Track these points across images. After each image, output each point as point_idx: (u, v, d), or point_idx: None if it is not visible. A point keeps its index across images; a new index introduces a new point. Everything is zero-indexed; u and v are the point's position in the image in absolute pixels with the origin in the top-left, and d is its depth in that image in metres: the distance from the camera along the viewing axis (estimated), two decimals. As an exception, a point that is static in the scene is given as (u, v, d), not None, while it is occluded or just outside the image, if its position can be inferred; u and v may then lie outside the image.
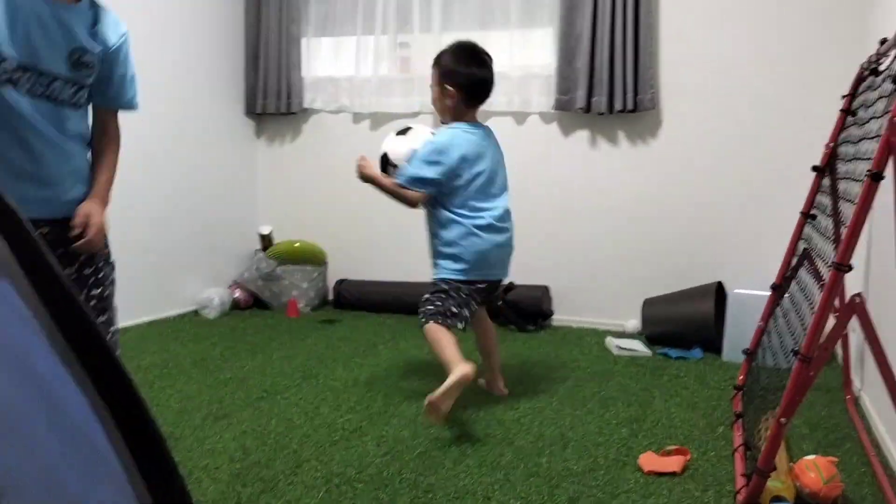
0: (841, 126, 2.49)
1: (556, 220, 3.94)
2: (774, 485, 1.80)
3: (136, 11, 3.64)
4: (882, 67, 2.12)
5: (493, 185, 2.78)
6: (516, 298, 3.79)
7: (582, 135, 3.86)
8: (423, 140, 2.71)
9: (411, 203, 2.66)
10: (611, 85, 3.62)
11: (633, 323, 3.73)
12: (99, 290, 1.90)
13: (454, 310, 2.57)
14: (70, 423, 0.50)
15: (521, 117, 3.96)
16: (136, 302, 3.71)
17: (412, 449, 2.19)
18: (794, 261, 2.56)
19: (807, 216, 2.55)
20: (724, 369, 3.09)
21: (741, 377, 2.70)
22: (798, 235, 2.60)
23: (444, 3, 4.04)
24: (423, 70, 4.06)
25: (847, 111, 2.48)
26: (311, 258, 4.21)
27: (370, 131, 4.26)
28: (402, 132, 2.79)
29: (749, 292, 3.13)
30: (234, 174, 4.39)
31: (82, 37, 1.73)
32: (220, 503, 1.82)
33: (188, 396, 2.64)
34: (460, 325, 2.58)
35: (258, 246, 4.40)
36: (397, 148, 2.73)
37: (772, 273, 2.73)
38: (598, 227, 3.86)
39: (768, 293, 2.69)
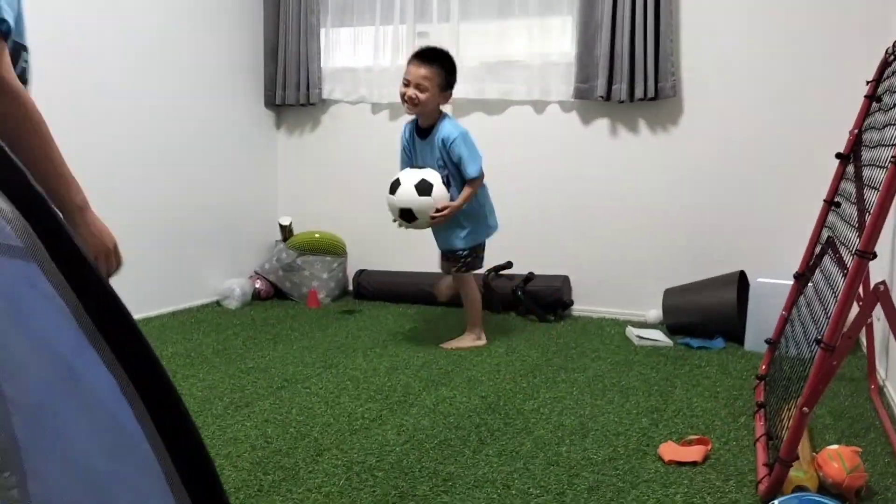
0: (865, 112, 2.45)
1: (575, 209, 3.92)
2: (797, 475, 1.79)
3: (157, 4, 3.67)
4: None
5: None
6: (536, 288, 3.79)
7: (602, 123, 3.84)
8: (435, 180, 3.03)
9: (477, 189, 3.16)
10: (631, 73, 3.59)
11: (654, 313, 3.71)
12: None
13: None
14: (97, 403, 0.51)
15: (540, 106, 3.94)
16: (159, 293, 3.76)
17: (432, 438, 2.20)
18: (818, 249, 2.53)
19: (830, 204, 2.52)
20: (746, 359, 3.07)
21: (763, 367, 2.68)
22: (822, 223, 2.56)
23: (462, -8, 4.03)
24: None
25: (872, 97, 2.44)
26: (331, 249, 4.23)
27: (389, 121, 4.27)
28: (424, 190, 3.03)
29: (772, 281, 3.09)
30: (255, 166, 4.42)
31: None
32: (243, 490, 1.84)
33: (210, 385, 2.67)
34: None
35: (279, 237, 4.42)
36: (419, 199, 3.01)
37: (795, 262, 2.71)
38: (619, 217, 3.84)
39: (791, 282, 2.66)
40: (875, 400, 2.53)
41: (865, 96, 2.48)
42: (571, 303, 3.89)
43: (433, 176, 3.05)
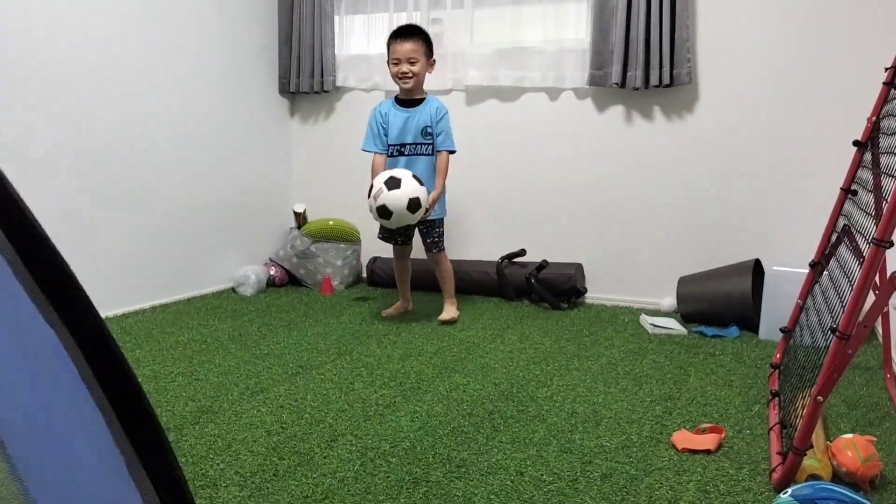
0: (884, 99, 2.42)
1: (589, 197, 3.91)
2: (811, 463, 1.79)
3: (172, -9, 3.68)
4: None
5: None
6: (549, 276, 3.79)
7: (617, 111, 3.81)
8: (413, 184, 3.14)
9: None
10: (647, 59, 3.56)
11: (669, 301, 3.70)
12: None
13: None
14: (49, 368, 0.52)
15: (554, 93, 3.92)
16: (175, 279, 3.79)
17: (445, 424, 2.21)
18: (834, 237, 2.51)
19: (847, 192, 2.50)
20: (760, 347, 3.06)
21: (778, 355, 2.67)
22: (838, 211, 2.54)
23: (476, -21, 4.01)
24: (456, 46, 4.05)
25: (890, 84, 2.41)
26: (345, 236, 4.24)
27: (403, 109, 4.26)
28: (394, 184, 3.14)
29: (787, 269, 3.08)
30: (269, 153, 4.43)
31: None
32: (258, 475, 1.86)
33: (226, 371, 2.69)
34: None
35: (293, 224, 4.44)
36: (399, 200, 3.12)
37: (810, 250, 2.69)
38: (633, 204, 3.83)
39: (807, 270, 2.65)
40: (890, 389, 2.51)
41: (884, 83, 2.45)
42: (585, 291, 3.89)
43: (404, 176, 3.18)
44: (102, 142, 3.37)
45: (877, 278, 2.14)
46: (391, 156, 3.41)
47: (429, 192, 3.25)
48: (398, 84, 3.38)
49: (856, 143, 2.48)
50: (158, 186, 3.66)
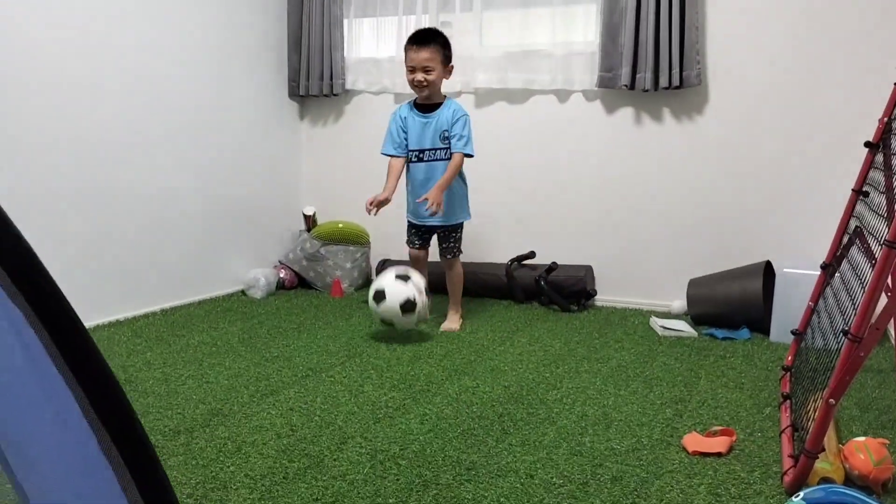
0: (895, 100, 2.41)
1: (599, 199, 3.90)
2: (823, 466, 1.78)
3: (182, -4, 3.70)
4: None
5: None
6: (559, 278, 3.78)
7: (626, 112, 3.81)
8: (396, 287, 3.09)
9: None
10: (656, 61, 3.55)
11: (679, 303, 3.68)
12: None
13: None
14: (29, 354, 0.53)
15: (563, 95, 3.92)
16: (185, 282, 3.81)
17: (455, 427, 2.21)
18: (845, 239, 2.50)
19: (859, 193, 2.48)
20: (771, 350, 3.04)
21: (789, 358, 2.65)
22: (850, 213, 2.53)
23: (485, -19, 4.01)
24: (465, 49, 4.05)
25: (903, 84, 2.39)
26: (355, 238, 4.25)
27: (412, 112, 4.27)
28: (380, 297, 3.10)
29: (798, 271, 3.06)
30: (279, 156, 4.44)
31: None
32: (268, 477, 1.87)
33: (236, 374, 2.70)
34: None
35: (303, 227, 4.46)
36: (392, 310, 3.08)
37: (821, 252, 2.68)
38: (643, 206, 3.82)
39: (818, 272, 2.63)
40: (903, 392, 2.50)
41: (895, 83, 2.43)
42: (595, 293, 3.88)
43: (402, 269, 3.21)
44: (112, 145, 3.38)
45: (889, 280, 2.12)
46: (411, 161, 3.38)
47: (451, 197, 3.27)
48: (414, 90, 3.36)
49: (867, 144, 2.47)
50: (168, 189, 3.68)
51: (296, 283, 4.30)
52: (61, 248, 3.15)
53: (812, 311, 2.60)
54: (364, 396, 2.47)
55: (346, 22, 4.31)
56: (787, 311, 3.03)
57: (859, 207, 2.45)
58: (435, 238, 3.49)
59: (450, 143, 3.30)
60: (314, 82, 4.34)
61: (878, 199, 2.22)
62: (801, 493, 1.58)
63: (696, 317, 3.47)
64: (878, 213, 2.12)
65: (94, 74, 3.27)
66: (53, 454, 0.53)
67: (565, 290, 3.76)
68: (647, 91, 3.63)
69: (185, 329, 3.32)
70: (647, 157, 3.78)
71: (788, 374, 2.55)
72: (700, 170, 3.68)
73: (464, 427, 2.21)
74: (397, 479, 1.86)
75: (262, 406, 2.37)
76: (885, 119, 2.42)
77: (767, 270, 3.39)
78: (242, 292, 4.10)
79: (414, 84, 3.27)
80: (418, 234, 3.47)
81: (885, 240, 1.69)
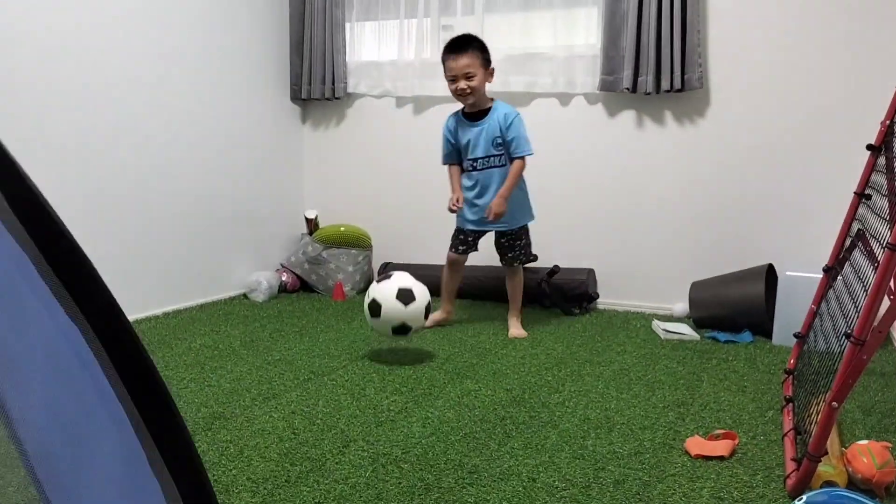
0: (898, 103, 2.41)
1: (601, 202, 3.90)
2: (826, 470, 1.77)
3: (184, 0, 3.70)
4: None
5: None
6: (561, 281, 3.78)
7: (628, 116, 3.81)
8: (412, 283, 2.91)
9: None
10: (657, 64, 3.56)
11: (681, 306, 3.68)
12: None
13: None
14: (60, 353, 0.52)
15: (565, 98, 3.92)
16: (187, 286, 3.81)
17: (457, 430, 2.20)
18: (848, 242, 2.49)
19: (861, 196, 2.48)
20: (774, 353, 3.04)
21: (792, 361, 2.65)
22: (852, 216, 2.53)
23: (487, -15, 4.02)
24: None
25: (905, 87, 2.39)
26: (357, 242, 4.25)
27: (413, 115, 4.27)
28: (375, 311, 2.90)
29: (801, 274, 3.06)
30: (281, 160, 4.45)
31: None
32: (270, 481, 1.86)
33: (238, 377, 2.70)
34: None
35: (305, 230, 4.46)
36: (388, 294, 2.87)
37: (824, 255, 2.67)
38: (645, 209, 3.82)
39: (820, 275, 2.63)
40: (906, 395, 2.49)
41: (897, 86, 2.43)
42: (597, 296, 3.88)
43: (407, 281, 2.93)
44: (114, 148, 3.39)
45: (892, 283, 2.12)
46: (465, 170, 3.33)
47: (510, 201, 3.22)
48: (459, 101, 3.28)
49: (869, 147, 2.47)
50: (170, 193, 3.68)
51: (298, 287, 4.30)
52: (64, 251, 3.15)
53: (814, 313, 2.59)
54: (366, 400, 2.47)
55: (348, 25, 4.32)
56: (790, 314, 3.02)
57: (861, 210, 2.45)
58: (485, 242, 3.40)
59: (504, 148, 3.22)
60: (316, 86, 4.35)
61: (881, 202, 2.22)
62: (804, 497, 1.57)
63: (699, 320, 3.46)
64: (880, 216, 2.11)
65: (97, 79, 3.28)
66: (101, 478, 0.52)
67: (567, 293, 3.76)
68: (648, 94, 3.63)
69: (187, 332, 3.32)
70: (648, 159, 3.78)
71: (791, 377, 2.55)
72: (702, 173, 3.68)
73: (466, 430, 2.21)
74: (399, 483, 1.86)
75: (264, 409, 2.37)
76: (887, 122, 2.42)
77: (770, 273, 3.38)
78: (244, 296, 4.10)
79: (458, 94, 3.19)
80: (465, 240, 3.38)
81: (887, 243, 1.69)
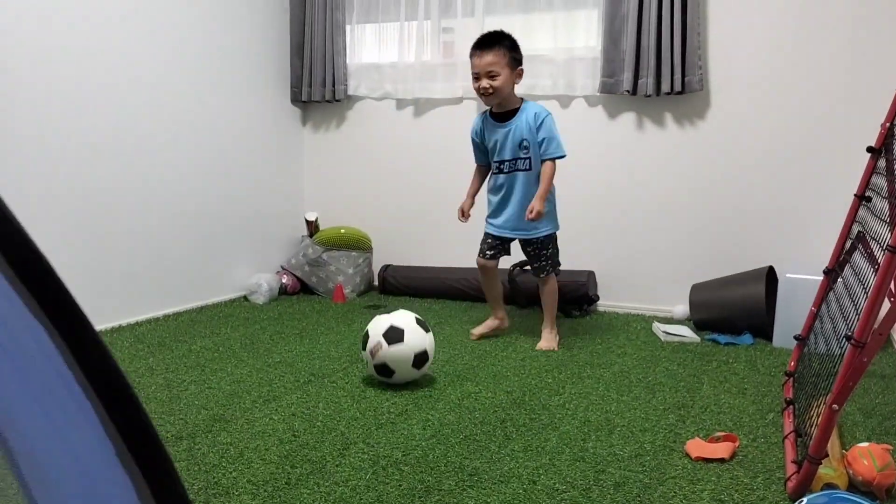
0: (898, 105, 2.41)
1: (601, 204, 3.90)
2: (826, 472, 1.77)
3: (184, 2, 3.71)
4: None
5: None
6: (561, 283, 3.77)
7: (628, 118, 3.81)
8: (418, 333, 2.61)
9: None
10: (658, 67, 3.56)
11: (681, 308, 3.68)
12: None
13: None
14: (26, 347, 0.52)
15: (565, 101, 3.93)
16: (187, 288, 3.81)
17: (457, 432, 2.20)
18: (848, 244, 2.49)
19: (861, 198, 2.48)
20: (774, 355, 3.04)
21: (792, 363, 2.65)
22: (852, 218, 2.53)
23: (487, -13, 4.02)
24: (467, 55, 4.05)
25: (905, 89, 2.39)
26: (357, 244, 4.25)
27: (414, 117, 4.28)
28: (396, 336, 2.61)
29: (801, 277, 3.06)
30: (281, 162, 4.45)
31: None
32: (271, 483, 1.86)
33: (238, 379, 2.70)
34: None
35: (305, 232, 4.46)
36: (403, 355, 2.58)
37: (824, 257, 2.67)
38: (645, 211, 3.82)
39: (821, 277, 2.63)
40: (907, 397, 2.49)
41: (898, 89, 2.43)
42: (597, 298, 3.88)
43: (402, 320, 2.67)
44: (113, 150, 3.39)
45: (892, 285, 2.12)
46: (492, 172, 3.20)
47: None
48: (482, 100, 3.18)
49: (869, 149, 2.47)
50: (170, 195, 3.68)
51: (298, 289, 4.30)
52: (63, 253, 3.15)
53: (815, 316, 2.59)
54: (366, 402, 2.47)
55: (348, 28, 4.32)
56: (790, 317, 3.02)
57: (862, 212, 2.45)
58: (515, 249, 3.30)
59: (530, 151, 3.08)
60: (316, 88, 4.35)
61: (881, 205, 2.22)
62: (805, 500, 1.57)
63: (699, 322, 3.46)
64: (880, 219, 2.11)
65: (97, 82, 3.28)
66: (72, 470, 0.53)
67: (567, 296, 3.76)
68: (648, 96, 3.63)
69: (188, 335, 3.32)
70: (649, 162, 3.78)
71: (791, 379, 2.55)
72: (702, 175, 3.68)
73: (466, 433, 2.20)
74: (399, 485, 1.86)
75: (265, 412, 2.37)
76: (888, 124, 2.42)
77: (770, 275, 3.38)
78: (245, 298, 4.10)
79: (479, 92, 3.06)
80: (492, 244, 3.23)
81: (887, 245, 1.69)
